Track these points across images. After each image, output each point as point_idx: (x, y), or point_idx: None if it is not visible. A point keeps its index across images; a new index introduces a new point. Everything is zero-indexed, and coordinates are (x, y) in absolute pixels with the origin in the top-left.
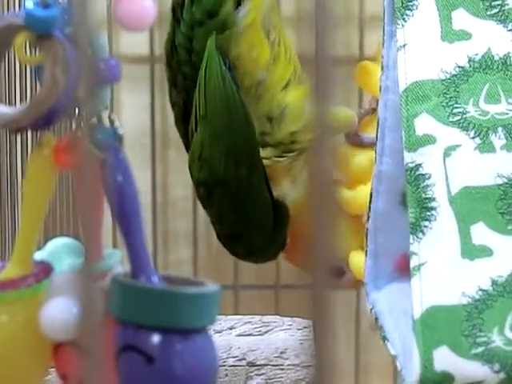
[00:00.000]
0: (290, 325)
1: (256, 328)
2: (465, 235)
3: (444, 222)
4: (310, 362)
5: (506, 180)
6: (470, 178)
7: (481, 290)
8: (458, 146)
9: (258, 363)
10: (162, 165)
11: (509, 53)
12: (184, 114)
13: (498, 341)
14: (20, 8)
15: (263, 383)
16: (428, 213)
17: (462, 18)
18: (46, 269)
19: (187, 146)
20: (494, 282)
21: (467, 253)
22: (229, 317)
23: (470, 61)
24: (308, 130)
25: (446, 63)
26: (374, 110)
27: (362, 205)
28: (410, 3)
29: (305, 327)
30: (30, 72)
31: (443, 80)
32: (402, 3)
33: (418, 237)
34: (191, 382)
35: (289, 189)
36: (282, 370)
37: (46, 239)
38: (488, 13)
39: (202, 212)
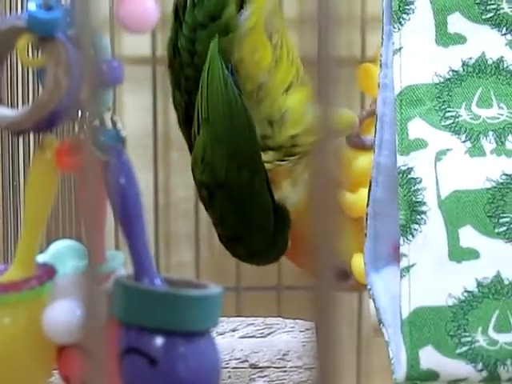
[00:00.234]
0: (292, 327)
1: (258, 330)
2: (453, 238)
3: (433, 225)
4: (313, 364)
5: (494, 184)
6: (459, 182)
7: (466, 291)
8: (449, 150)
9: (260, 365)
10: (163, 166)
11: (502, 57)
12: (186, 116)
13: (481, 341)
14: (22, 10)
15: None
16: (418, 216)
17: (457, 22)
18: (49, 271)
19: (191, 148)
20: (479, 284)
21: (455, 255)
22: (231, 319)
23: (463, 65)
24: (309, 134)
25: (440, 67)
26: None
27: (363, 207)
28: (407, 7)
29: (307, 329)
30: (33, 74)
31: (437, 84)
32: (399, 7)
33: (407, 239)
34: None
35: (290, 192)
36: (285, 372)
37: (49, 241)
38: (483, 17)
39: (204, 214)
